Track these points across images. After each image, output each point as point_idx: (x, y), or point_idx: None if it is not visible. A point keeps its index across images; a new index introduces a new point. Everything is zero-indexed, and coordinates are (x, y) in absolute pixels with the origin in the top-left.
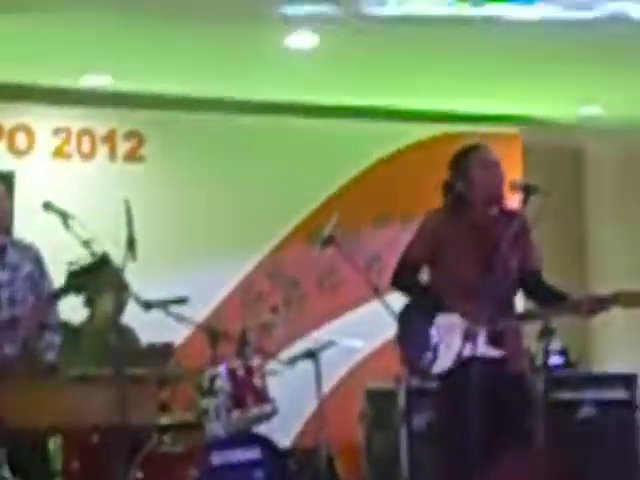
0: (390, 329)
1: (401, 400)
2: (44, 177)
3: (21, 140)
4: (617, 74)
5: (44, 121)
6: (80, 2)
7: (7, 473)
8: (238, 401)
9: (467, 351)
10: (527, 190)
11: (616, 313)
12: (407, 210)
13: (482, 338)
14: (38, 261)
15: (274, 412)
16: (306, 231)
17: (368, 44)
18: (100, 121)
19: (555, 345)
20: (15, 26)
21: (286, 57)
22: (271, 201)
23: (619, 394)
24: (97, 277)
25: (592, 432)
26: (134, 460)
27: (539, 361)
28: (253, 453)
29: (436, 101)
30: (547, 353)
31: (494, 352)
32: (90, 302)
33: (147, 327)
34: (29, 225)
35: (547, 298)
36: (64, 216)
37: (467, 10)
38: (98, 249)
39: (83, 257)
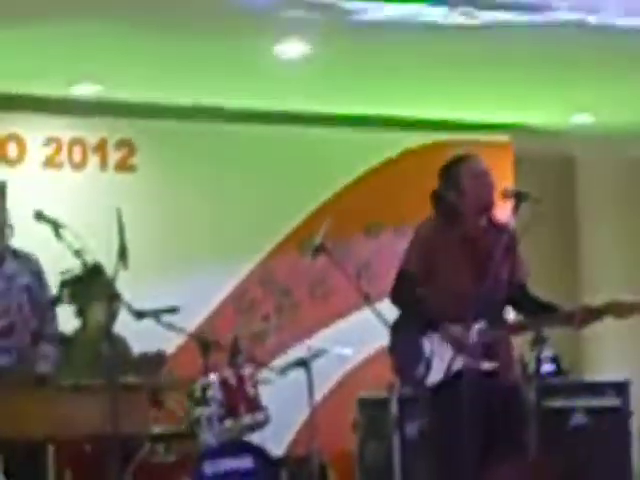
0: (382, 337)
1: (393, 408)
2: (35, 187)
3: (12, 150)
4: (608, 82)
5: (35, 131)
6: (71, 13)
7: None
8: (230, 410)
9: (459, 363)
10: (518, 198)
11: (608, 321)
12: (398, 219)
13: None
14: (38, 272)
15: (266, 421)
16: (298, 239)
17: (358, 53)
18: (91, 130)
19: (547, 353)
20: (6, 37)
21: (276, 66)
22: (263, 209)
23: (611, 401)
24: (89, 286)
25: (584, 440)
26: (127, 469)
27: (531, 369)
28: (245, 462)
29: (428, 109)
30: (539, 361)
31: (487, 364)
32: (82, 312)
33: (139, 336)
34: (20, 235)
35: (534, 310)
36: (55, 226)
37: (459, 18)
38: (90, 258)
39: (75, 267)
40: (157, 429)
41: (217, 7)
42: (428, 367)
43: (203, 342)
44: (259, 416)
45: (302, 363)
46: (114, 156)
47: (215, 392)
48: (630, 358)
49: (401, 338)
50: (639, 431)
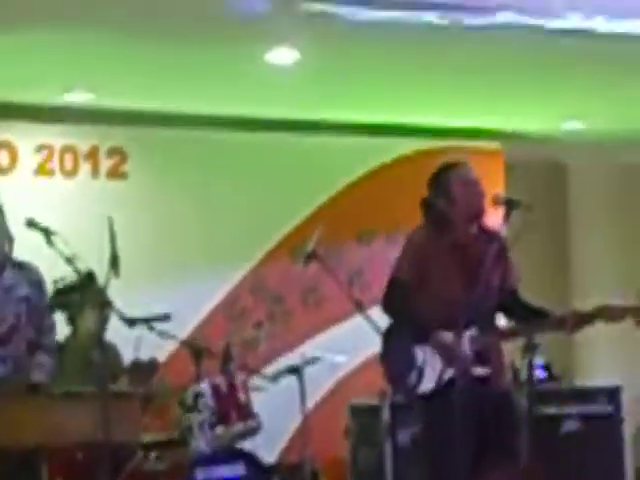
0: (374, 344)
1: (385, 416)
2: (27, 194)
3: (4, 157)
4: (599, 89)
5: (27, 138)
6: (63, 21)
7: None
8: (222, 417)
9: (450, 371)
10: (509, 205)
11: (599, 327)
12: (391, 226)
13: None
14: (38, 283)
15: (258, 428)
16: (289, 247)
17: (348, 59)
18: (83, 138)
19: (538, 360)
20: None
21: (267, 73)
22: (254, 217)
23: (603, 407)
24: (81, 294)
25: (577, 446)
26: (118, 477)
27: (523, 376)
28: (237, 469)
29: (419, 116)
30: (531, 368)
31: (479, 370)
32: (72, 319)
33: (131, 344)
34: None
35: (526, 316)
36: (47, 233)
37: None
38: (81, 266)
39: (68, 275)
40: (149, 437)
41: (208, 15)
42: (420, 375)
43: (195, 349)
44: (251, 423)
45: (294, 370)
46: (105, 164)
47: (207, 399)
48: (621, 364)
49: (393, 346)
50: (632, 437)
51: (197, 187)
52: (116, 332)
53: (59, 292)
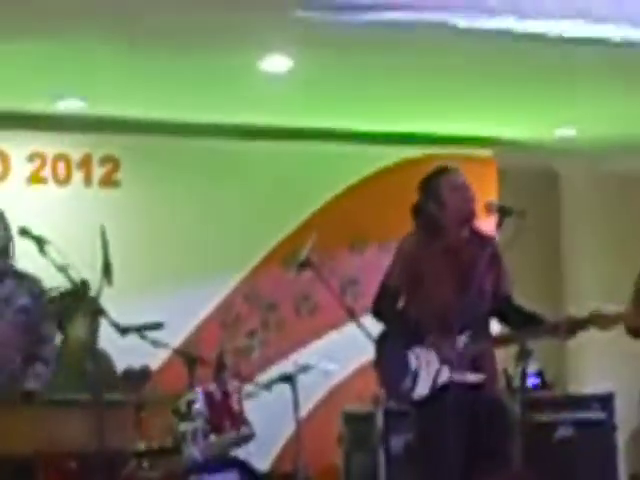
0: (367, 352)
1: (379, 422)
2: (20, 202)
3: None
4: (591, 96)
5: (19, 147)
6: (55, 29)
7: None
8: (215, 425)
9: (444, 376)
10: (502, 212)
11: (592, 334)
12: (383, 234)
13: (460, 363)
14: (38, 293)
15: (251, 436)
16: (282, 255)
17: (342, 68)
18: (75, 146)
19: (531, 367)
20: None
21: (261, 81)
22: (247, 225)
23: (596, 414)
24: (73, 302)
25: (570, 453)
26: None
27: (516, 383)
28: (231, 477)
29: (411, 124)
30: (524, 375)
31: (472, 377)
32: (62, 327)
33: (124, 352)
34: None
35: (520, 321)
36: (40, 242)
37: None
38: (74, 274)
39: (62, 284)
40: (142, 445)
41: (201, 23)
42: (415, 380)
43: (188, 357)
44: (244, 431)
45: (287, 378)
46: (98, 172)
47: (200, 407)
48: (614, 371)
49: (386, 352)
50: (625, 443)
51: (190, 195)
52: (110, 341)
53: (51, 301)
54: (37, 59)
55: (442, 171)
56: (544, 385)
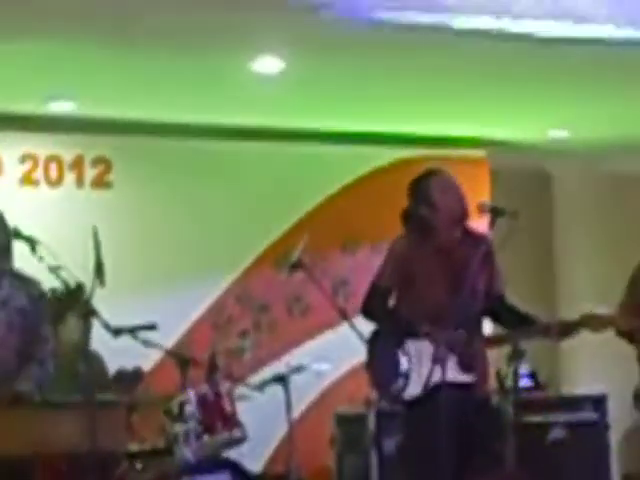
0: (359, 353)
1: (371, 424)
2: (12, 204)
3: None
4: (584, 98)
5: (11, 148)
6: (47, 30)
7: None
8: (208, 426)
9: (436, 376)
10: (494, 212)
11: (585, 335)
12: (375, 235)
13: (452, 363)
14: (37, 296)
15: (244, 437)
16: (275, 256)
17: (333, 69)
18: (67, 147)
19: (524, 368)
20: None
21: (252, 82)
22: (239, 226)
23: (589, 415)
24: (65, 304)
25: (563, 454)
26: None
27: (509, 383)
28: (223, 478)
29: (403, 125)
30: (517, 375)
31: (464, 377)
32: (54, 328)
33: (116, 353)
34: None
35: (513, 321)
36: (32, 243)
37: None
38: (66, 276)
39: (56, 285)
40: (134, 446)
41: (193, 24)
42: (406, 381)
43: (180, 359)
44: (236, 432)
45: (280, 379)
46: (90, 173)
47: (192, 408)
48: (607, 372)
49: (378, 352)
50: (618, 444)
51: (182, 196)
52: (104, 342)
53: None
54: (29, 60)
55: (431, 173)
56: (537, 386)
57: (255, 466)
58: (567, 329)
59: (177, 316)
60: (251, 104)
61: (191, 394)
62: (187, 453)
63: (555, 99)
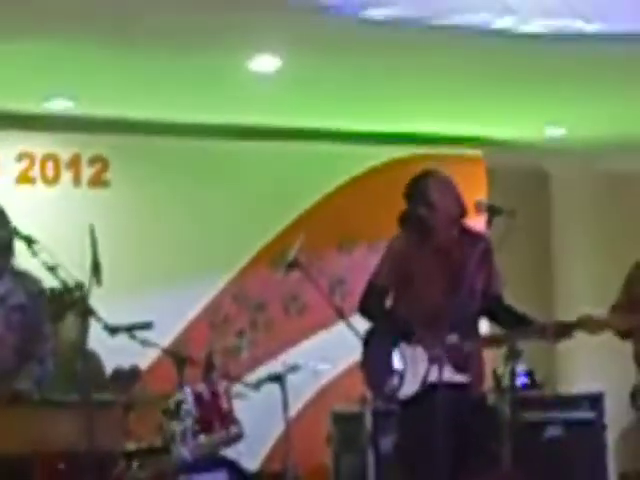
0: (356, 352)
1: (368, 422)
2: (8, 202)
3: None
4: (581, 96)
5: (8, 146)
6: (44, 29)
7: None
8: (205, 425)
9: (433, 375)
10: (492, 211)
11: (582, 334)
12: (372, 234)
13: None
14: (37, 293)
15: (241, 436)
16: (271, 255)
17: (330, 67)
18: (64, 146)
19: (520, 367)
20: None
21: (249, 81)
22: (236, 225)
23: (586, 414)
24: (63, 303)
25: (559, 452)
26: None
27: (505, 383)
28: (220, 477)
29: (400, 123)
30: (514, 375)
31: (460, 377)
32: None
33: (113, 352)
34: None
35: (510, 321)
36: (29, 242)
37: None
38: (63, 274)
39: (54, 285)
40: (131, 445)
41: (190, 23)
42: (401, 380)
43: (177, 357)
44: (233, 431)
45: (276, 378)
46: (87, 172)
47: (189, 407)
48: (604, 370)
49: (373, 351)
50: (614, 443)
51: (178, 195)
52: (100, 341)
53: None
54: (29, 60)
55: (428, 173)
56: (534, 385)
57: (252, 464)
58: (564, 330)
59: (174, 315)
60: (248, 103)
61: (188, 393)
62: (184, 452)
63: (552, 98)
